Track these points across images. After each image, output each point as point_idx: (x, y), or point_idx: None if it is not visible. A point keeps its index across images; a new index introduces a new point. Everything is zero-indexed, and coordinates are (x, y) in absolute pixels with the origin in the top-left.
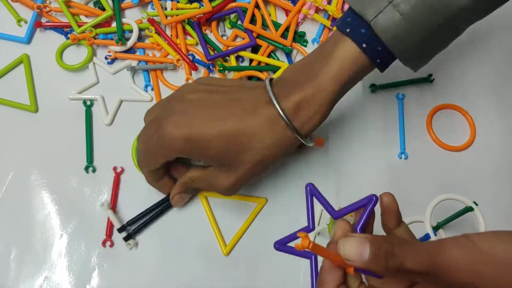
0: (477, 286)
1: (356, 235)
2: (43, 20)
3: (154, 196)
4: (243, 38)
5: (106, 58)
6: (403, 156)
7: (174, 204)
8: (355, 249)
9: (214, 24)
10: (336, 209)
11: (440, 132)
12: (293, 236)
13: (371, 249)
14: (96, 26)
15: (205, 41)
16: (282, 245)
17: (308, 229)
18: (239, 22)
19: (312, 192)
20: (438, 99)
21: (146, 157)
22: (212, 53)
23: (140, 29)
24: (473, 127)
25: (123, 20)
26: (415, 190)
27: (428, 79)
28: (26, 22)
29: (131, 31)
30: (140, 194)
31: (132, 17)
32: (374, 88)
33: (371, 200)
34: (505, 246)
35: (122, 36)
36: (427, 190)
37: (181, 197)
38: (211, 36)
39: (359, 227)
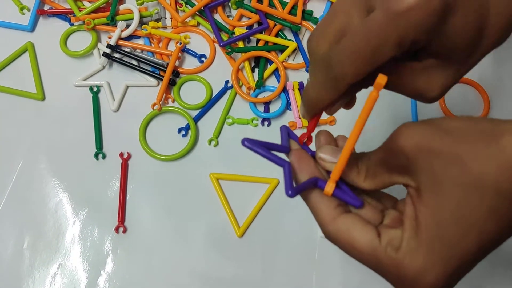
0: (434, 154)
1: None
2: (46, 7)
3: (164, 180)
4: (249, 18)
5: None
6: None
7: (331, 114)
8: (330, 152)
9: (220, 7)
10: None
11: (453, 107)
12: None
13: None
14: (97, 10)
15: (217, 27)
16: (252, 143)
17: (284, 150)
18: (246, 1)
19: (285, 131)
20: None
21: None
22: (225, 38)
23: (142, 16)
24: (487, 101)
25: (125, 5)
26: None
27: None
28: (29, 10)
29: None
30: (149, 178)
31: (134, 1)
32: None
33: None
34: (462, 121)
35: (113, 15)
36: None
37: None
38: (216, 17)
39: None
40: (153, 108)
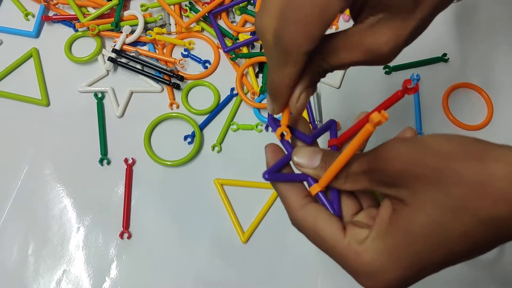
0: (418, 175)
1: (310, 147)
2: (51, 13)
3: (168, 185)
4: (253, 24)
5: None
6: None
7: (298, 109)
8: (306, 156)
9: (224, 13)
10: None
11: (456, 111)
12: (282, 161)
13: (323, 157)
14: (102, 16)
15: (221, 33)
16: (272, 174)
17: (306, 140)
18: (249, 8)
19: (330, 126)
20: (454, 78)
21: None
22: (229, 44)
23: (147, 22)
24: (490, 105)
25: (129, 11)
26: None
27: (442, 59)
28: (33, 16)
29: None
30: (154, 184)
31: (138, 8)
32: (388, 69)
33: (330, 121)
34: (451, 142)
35: (118, 21)
36: None
37: (307, 96)
38: (220, 23)
39: (311, 136)
40: (171, 108)
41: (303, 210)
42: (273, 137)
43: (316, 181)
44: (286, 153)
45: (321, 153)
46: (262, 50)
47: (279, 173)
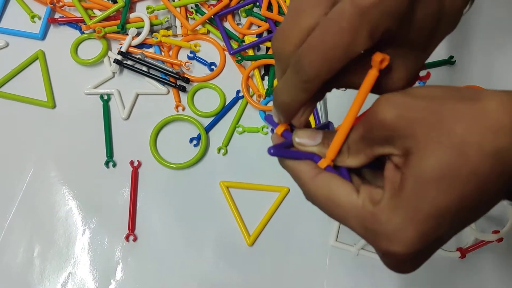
0: (416, 119)
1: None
2: (57, 15)
3: (174, 188)
4: (259, 26)
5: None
6: None
7: (302, 122)
8: (308, 135)
9: (230, 15)
10: None
11: None
12: (288, 142)
13: (324, 134)
14: (108, 18)
15: (227, 35)
16: (278, 149)
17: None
18: (255, 10)
19: (327, 127)
20: (460, 82)
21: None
22: (235, 46)
23: (153, 25)
24: None
25: (135, 14)
26: None
27: (449, 61)
28: (39, 18)
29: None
30: (159, 186)
31: (144, 10)
32: None
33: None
34: (442, 88)
35: (124, 23)
36: None
37: (310, 112)
38: (226, 25)
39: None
40: (176, 110)
41: (316, 179)
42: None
43: (321, 158)
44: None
45: (322, 132)
46: (269, 53)
47: (285, 149)
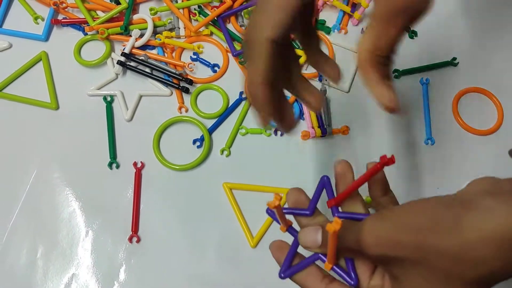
0: (401, 257)
1: (310, 226)
2: (60, 17)
3: (177, 189)
4: None
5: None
6: (429, 142)
7: (393, 105)
8: (309, 237)
9: (233, 17)
10: None
11: (466, 116)
12: (290, 254)
13: (323, 235)
14: (111, 19)
15: (230, 37)
16: (287, 271)
17: (306, 213)
18: None
19: (324, 184)
20: (463, 83)
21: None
22: (238, 47)
23: (156, 26)
24: (501, 110)
25: (139, 15)
26: (443, 176)
27: (452, 63)
28: (43, 20)
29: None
30: (163, 188)
31: (147, 11)
32: (397, 73)
33: (322, 180)
34: (422, 216)
35: (127, 24)
36: (455, 176)
37: (391, 88)
38: (229, 26)
39: (310, 208)
40: (180, 112)
41: None
42: (279, 140)
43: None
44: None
45: (321, 230)
46: None
47: (293, 266)
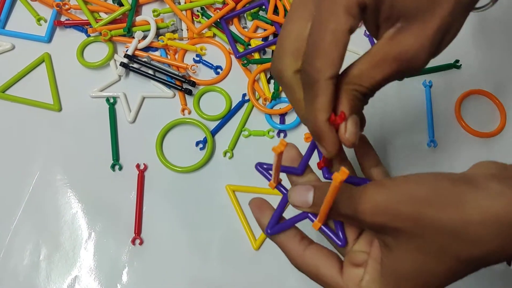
0: (399, 227)
1: (302, 185)
2: (63, 18)
3: (180, 191)
4: (265, 29)
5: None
6: (432, 144)
7: (349, 139)
8: (299, 197)
9: (236, 19)
10: None
11: (469, 118)
12: (278, 211)
13: (315, 194)
14: (114, 21)
15: (233, 39)
16: (274, 227)
17: (297, 171)
18: (261, 13)
19: (316, 145)
20: (466, 85)
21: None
22: (241, 49)
23: (159, 28)
24: (503, 112)
25: (141, 17)
26: None
27: (455, 65)
28: (45, 21)
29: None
30: (165, 190)
31: (150, 13)
32: None
33: (313, 140)
34: (425, 188)
35: (130, 26)
36: None
37: (356, 123)
38: (232, 28)
39: (300, 166)
40: (182, 114)
41: (303, 256)
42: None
43: (316, 215)
44: (282, 195)
45: (312, 190)
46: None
47: (280, 224)
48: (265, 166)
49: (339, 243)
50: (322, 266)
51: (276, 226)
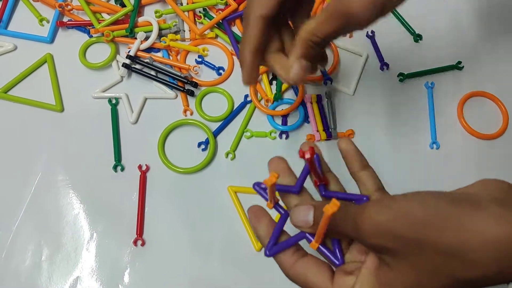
0: (398, 248)
1: (303, 205)
2: (65, 19)
3: (182, 192)
4: None
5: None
6: (434, 146)
7: (293, 78)
8: (301, 217)
9: (238, 20)
10: None
11: (471, 120)
12: (276, 231)
13: (314, 214)
14: (116, 22)
15: (235, 40)
16: (272, 248)
17: (293, 190)
18: None
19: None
20: (468, 87)
21: None
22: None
23: (161, 29)
24: (506, 114)
25: (144, 18)
26: (448, 180)
27: (457, 66)
28: (48, 22)
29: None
30: (167, 191)
31: (153, 14)
32: (402, 77)
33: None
34: (426, 209)
35: (132, 27)
36: (461, 180)
37: (303, 66)
38: (234, 29)
39: (297, 186)
40: (184, 115)
41: (294, 268)
42: (284, 144)
43: (313, 235)
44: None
45: (312, 209)
46: None
47: (278, 244)
48: (262, 186)
49: (337, 262)
50: (311, 274)
51: (275, 247)
